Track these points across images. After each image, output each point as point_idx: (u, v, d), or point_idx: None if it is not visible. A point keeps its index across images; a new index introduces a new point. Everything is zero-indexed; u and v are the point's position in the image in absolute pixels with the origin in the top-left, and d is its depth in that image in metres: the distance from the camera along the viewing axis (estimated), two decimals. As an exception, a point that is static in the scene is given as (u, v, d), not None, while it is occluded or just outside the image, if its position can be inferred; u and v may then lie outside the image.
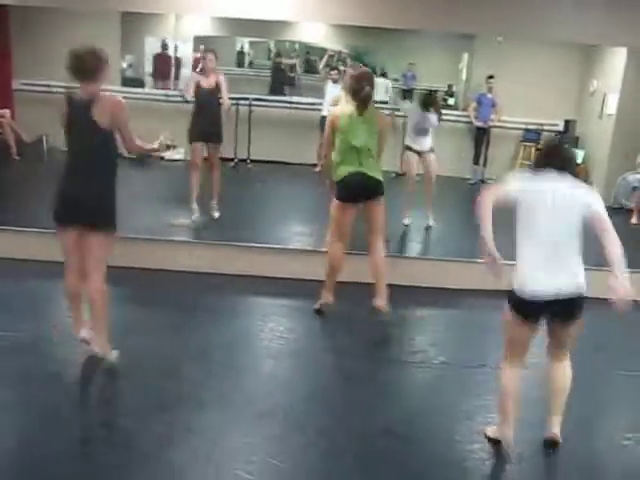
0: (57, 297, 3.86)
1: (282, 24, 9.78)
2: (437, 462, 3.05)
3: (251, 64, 11.80)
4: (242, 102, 8.83)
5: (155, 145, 3.81)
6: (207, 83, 6.18)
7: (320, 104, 8.92)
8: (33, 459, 2.85)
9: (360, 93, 4.24)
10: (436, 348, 4.30)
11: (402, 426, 3.31)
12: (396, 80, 10.87)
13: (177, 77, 10.08)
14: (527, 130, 9.64)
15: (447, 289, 5.21)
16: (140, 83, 10.06)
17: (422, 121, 6.64)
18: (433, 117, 6.68)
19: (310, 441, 3.11)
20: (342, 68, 9.13)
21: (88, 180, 3.46)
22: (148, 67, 10.24)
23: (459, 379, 3.90)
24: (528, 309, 2.91)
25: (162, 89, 9.82)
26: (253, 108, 9.17)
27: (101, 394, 3.47)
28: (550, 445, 3.09)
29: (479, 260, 5.33)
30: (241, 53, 11.78)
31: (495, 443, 3.10)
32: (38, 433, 3.02)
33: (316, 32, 10.55)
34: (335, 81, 8.62)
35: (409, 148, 6.77)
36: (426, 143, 6.70)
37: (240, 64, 11.60)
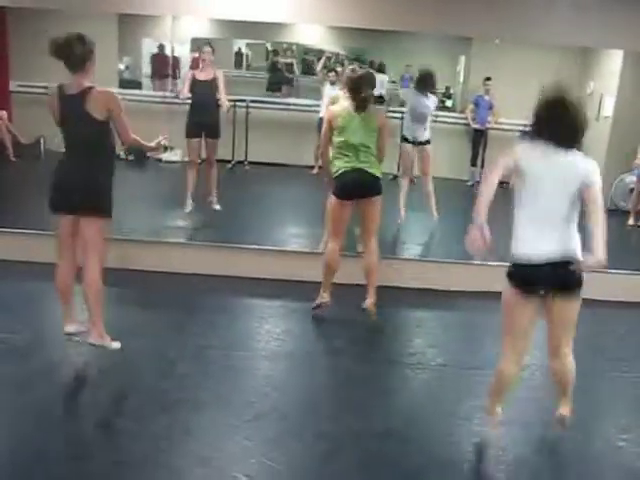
0: (55, 299, 3.85)
1: (279, 26, 9.75)
2: (434, 463, 3.05)
3: (248, 66, 11.81)
4: (239, 104, 8.83)
5: (153, 144, 3.82)
6: (203, 76, 6.13)
7: (318, 106, 8.93)
8: (30, 461, 2.84)
9: (359, 95, 4.24)
10: (434, 350, 4.30)
11: (399, 427, 3.31)
12: (394, 82, 10.88)
13: (175, 77, 10.08)
14: (524, 132, 9.65)
15: (445, 291, 5.21)
16: (138, 85, 10.07)
17: (420, 105, 6.55)
18: (431, 101, 6.62)
19: (307, 443, 3.11)
20: (340, 70, 9.14)
21: (83, 168, 3.50)
22: (146, 69, 10.25)
23: (457, 380, 3.90)
24: (526, 277, 2.90)
25: (160, 90, 9.82)
26: (250, 110, 9.17)
27: (98, 396, 3.47)
28: (558, 424, 3.11)
29: (476, 262, 5.41)
30: (239, 55, 11.78)
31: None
32: (35, 435, 3.01)
33: (314, 34, 10.55)
34: (333, 83, 8.62)
35: (405, 139, 6.74)
36: (423, 133, 6.65)
37: (237, 66, 11.60)
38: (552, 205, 2.86)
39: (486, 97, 9.25)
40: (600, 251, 2.73)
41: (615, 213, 7.91)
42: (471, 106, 9.44)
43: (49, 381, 3.51)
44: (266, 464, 2.92)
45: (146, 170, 8.79)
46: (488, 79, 9.17)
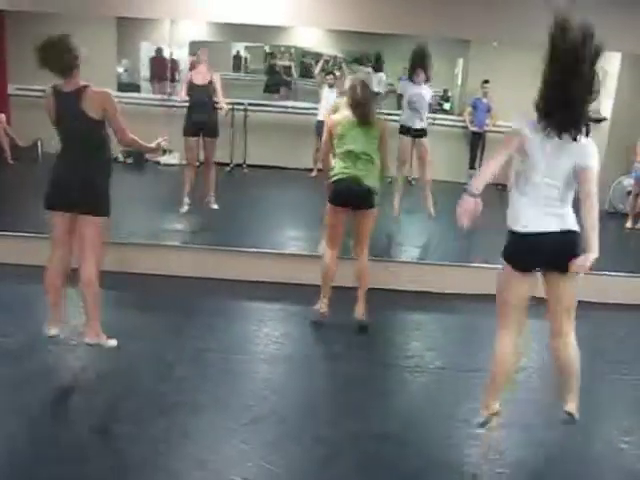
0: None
1: (278, 29, 9.77)
2: (433, 466, 3.05)
3: (247, 69, 11.82)
4: (238, 106, 8.83)
5: (153, 145, 3.82)
6: (200, 79, 6.16)
7: (316, 109, 8.94)
8: (27, 464, 2.84)
9: (359, 110, 4.24)
10: (432, 352, 4.30)
11: (398, 430, 3.30)
12: (391, 85, 10.88)
13: (173, 80, 10.08)
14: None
15: (442, 293, 5.21)
16: (136, 88, 10.08)
17: (415, 96, 6.55)
18: (426, 91, 6.62)
19: (306, 446, 3.11)
20: (338, 73, 9.15)
21: (79, 166, 3.50)
22: (144, 72, 10.26)
23: (455, 383, 3.90)
24: (522, 250, 2.91)
25: (159, 93, 9.83)
26: (249, 113, 9.18)
27: (95, 399, 3.46)
28: (566, 422, 3.09)
29: (474, 264, 5.41)
30: (237, 58, 11.79)
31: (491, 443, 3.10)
32: (32, 438, 3.01)
33: (312, 37, 10.57)
34: (331, 86, 8.64)
35: (402, 130, 6.74)
36: (419, 122, 6.68)
37: (236, 69, 11.61)
38: (547, 183, 2.87)
39: (484, 100, 9.26)
40: (594, 246, 2.73)
41: (613, 216, 7.92)
42: (469, 109, 9.45)
43: (45, 384, 3.50)
44: (264, 467, 2.91)
45: (144, 173, 8.79)
46: (486, 82, 9.18)
